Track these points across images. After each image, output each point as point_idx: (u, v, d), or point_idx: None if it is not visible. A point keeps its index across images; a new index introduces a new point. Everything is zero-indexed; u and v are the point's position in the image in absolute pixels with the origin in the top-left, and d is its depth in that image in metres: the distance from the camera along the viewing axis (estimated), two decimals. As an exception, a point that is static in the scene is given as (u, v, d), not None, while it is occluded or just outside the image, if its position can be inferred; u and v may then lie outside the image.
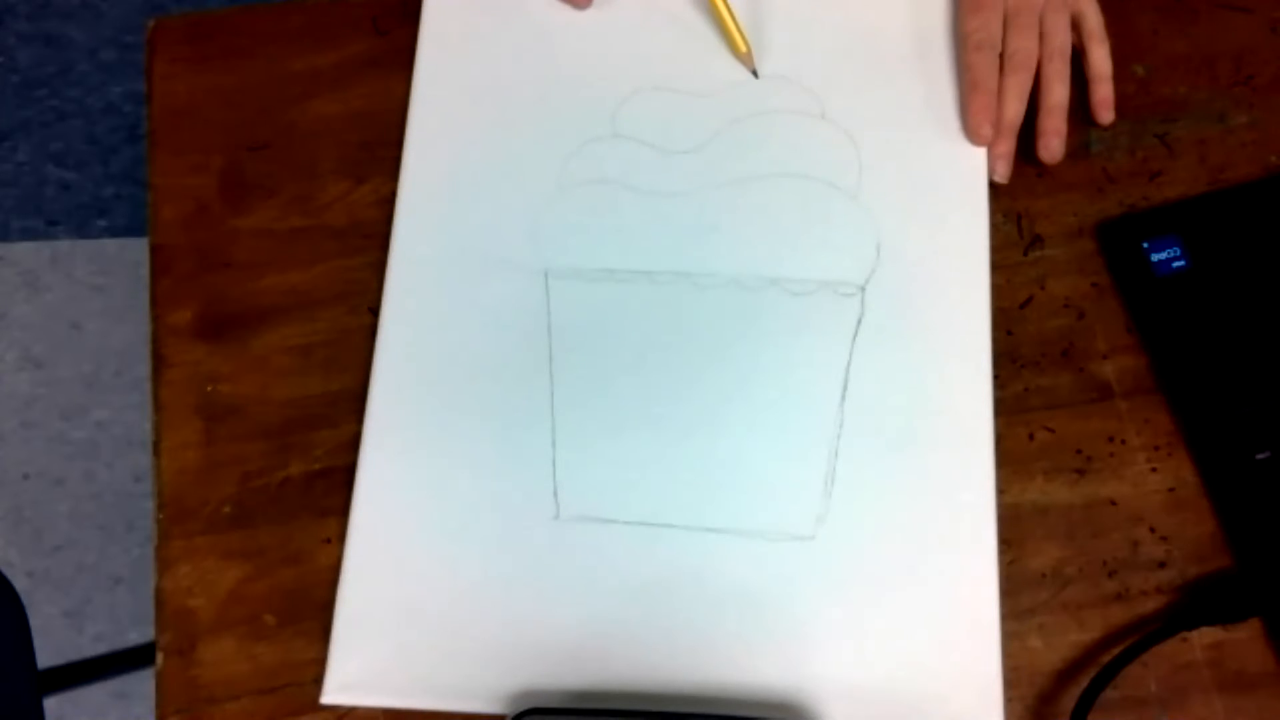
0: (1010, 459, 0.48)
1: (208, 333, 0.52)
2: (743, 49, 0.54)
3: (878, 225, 0.51)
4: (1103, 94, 0.53)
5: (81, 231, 1.30)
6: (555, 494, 0.48)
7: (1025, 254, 0.52)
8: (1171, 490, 0.48)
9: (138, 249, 1.28)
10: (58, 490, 1.20)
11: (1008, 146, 0.52)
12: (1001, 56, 0.53)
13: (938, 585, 0.46)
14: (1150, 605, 0.46)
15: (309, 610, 0.47)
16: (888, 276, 0.51)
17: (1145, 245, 0.50)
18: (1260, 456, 0.47)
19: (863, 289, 0.50)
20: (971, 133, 0.52)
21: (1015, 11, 0.53)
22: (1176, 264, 0.50)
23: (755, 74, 0.54)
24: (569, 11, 0.56)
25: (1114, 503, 0.48)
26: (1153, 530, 0.47)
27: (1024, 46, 0.52)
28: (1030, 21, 0.53)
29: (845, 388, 0.49)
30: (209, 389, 0.51)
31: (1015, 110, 0.52)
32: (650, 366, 0.50)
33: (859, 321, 0.50)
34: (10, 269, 1.28)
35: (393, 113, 0.55)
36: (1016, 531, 0.47)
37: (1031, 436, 0.49)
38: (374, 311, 0.51)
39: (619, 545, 0.47)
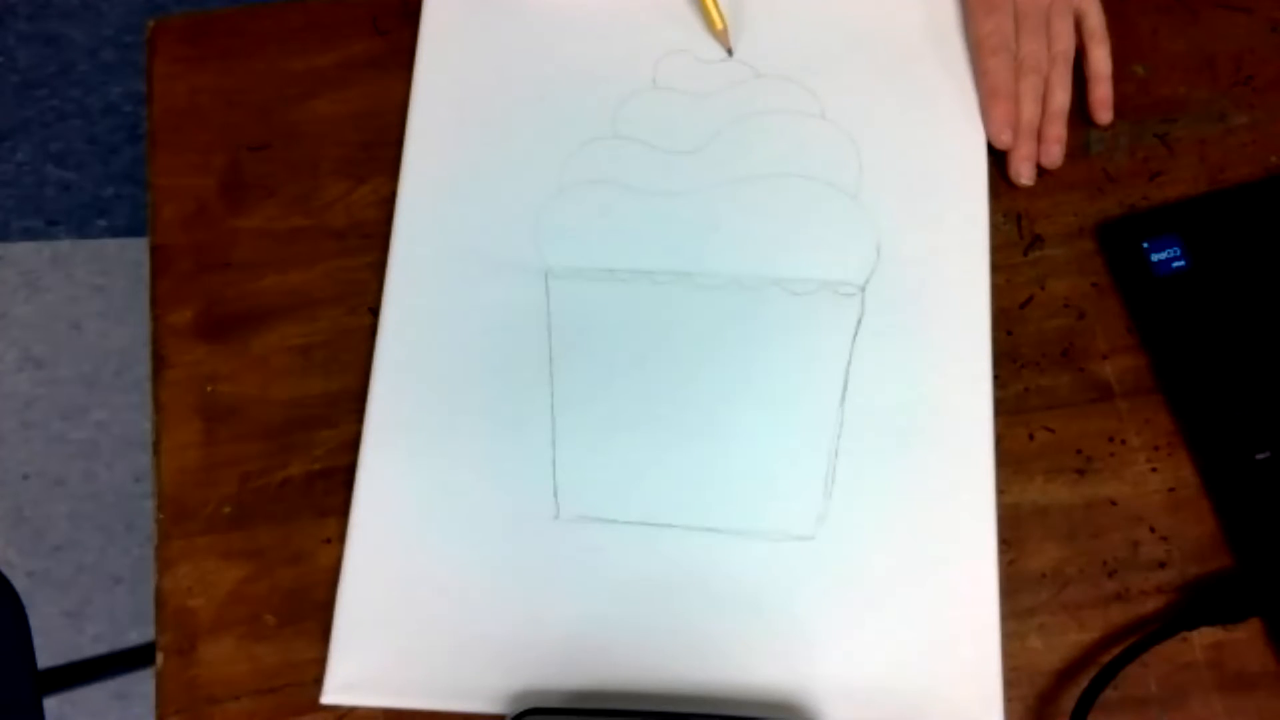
0: (1010, 459, 0.48)
1: (208, 333, 0.52)
2: (719, 25, 0.54)
3: (878, 225, 0.51)
4: (1101, 94, 0.53)
5: (81, 231, 1.30)
6: (555, 494, 0.48)
7: (1025, 254, 0.52)
8: (1171, 490, 0.48)
9: (138, 249, 1.28)
10: (58, 490, 1.20)
11: (1029, 149, 0.52)
12: None
13: (938, 585, 0.46)
14: (1150, 605, 0.46)
15: (309, 610, 0.47)
16: (888, 276, 0.51)
17: (1145, 245, 0.50)
18: (1260, 456, 0.47)
19: (863, 289, 0.50)
20: (993, 138, 0.52)
21: (1024, 14, 0.53)
22: (1176, 264, 0.50)
23: (730, 52, 0.55)
24: (569, 11, 0.56)
25: (1114, 503, 0.48)
26: (1153, 530, 0.47)
27: (1035, 49, 0.53)
28: (1039, 24, 0.53)
29: (845, 388, 0.49)
30: (209, 389, 0.51)
31: (1032, 112, 0.52)
32: (650, 366, 0.50)
33: (859, 321, 0.50)
34: (10, 269, 1.28)
35: (393, 113, 0.55)
36: (1016, 531, 0.47)
37: (1031, 436, 0.49)
38: (374, 311, 0.51)
39: (619, 545, 0.47)
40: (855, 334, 0.50)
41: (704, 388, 0.49)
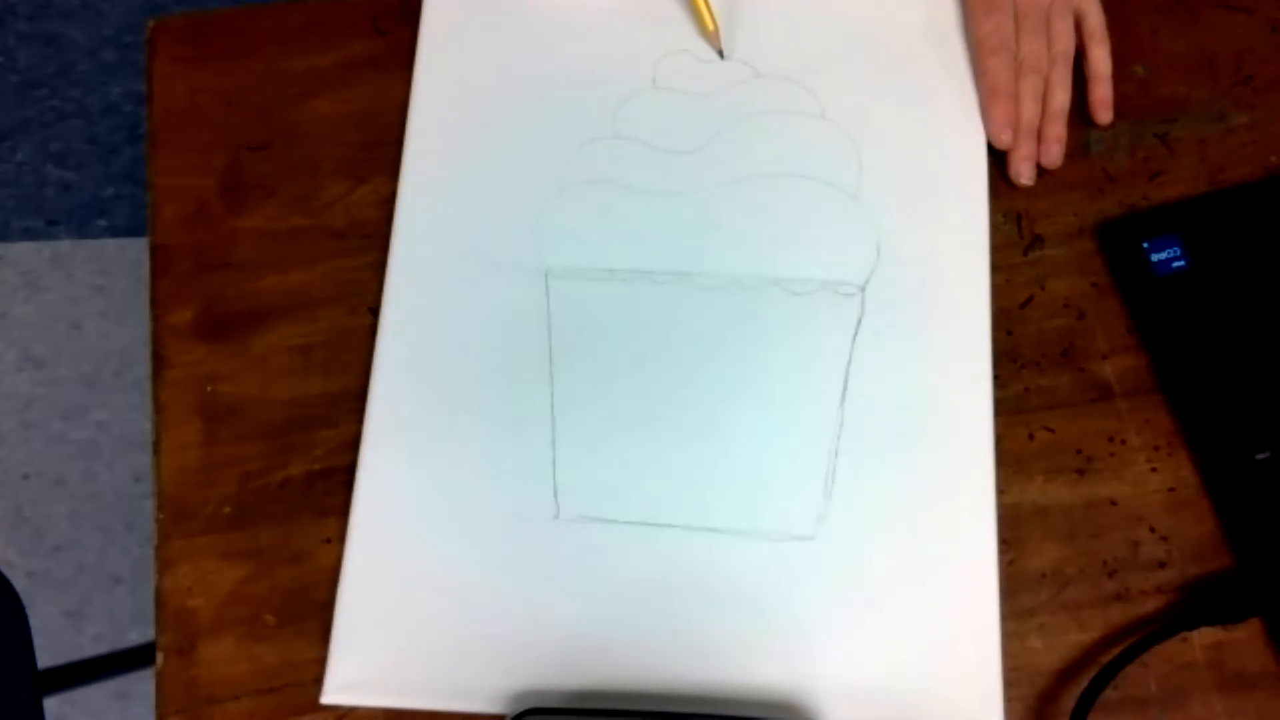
0: (1010, 459, 0.48)
1: (208, 333, 0.52)
2: (710, 27, 0.54)
3: (878, 225, 0.51)
4: (1101, 94, 0.53)
5: (81, 231, 1.30)
6: (555, 494, 0.48)
7: (1025, 254, 0.52)
8: (1171, 490, 0.48)
9: (138, 249, 1.28)
10: (58, 490, 1.20)
11: (1029, 149, 0.52)
12: None
13: (938, 585, 0.46)
14: (1150, 605, 0.46)
15: (309, 610, 0.47)
16: (888, 276, 0.51)
17: (1145, 245, 0.50)
18: (1260, 456, 0.47)
19: (863, 289, 0.50)
20: (993, 138, 0.52)
21: (1024, 14, 0.53)
22: (1176, 264, 0.50)
23: (721, 54, 0.55)
24: (569, 11, 0.56)
25: (1114, 503, 0.48)
26: (1153, 530, 0.47)
27: (1035, 49, 0.53)
28: (1039, 23, 0.53)
29: (845, 388, 0.49)
30: (209, 389, 0.51)
31: (1032, 112, 0.52)
32: (650, 366, 0.50)
33: (859, 321, 0.50)
34: (10, 269, 1.28)
35: (393, 113, 0.55)
36: (1016, 531, 0.47)
37: (1031, 436, 0.49)
38: (374, 311, 0.51)
39: (619, 545, 0.47)
40: (855, 334, 0.50)
41: (704, 388, 0.49)
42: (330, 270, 0.53)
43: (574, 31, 0.56)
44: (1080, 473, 0.48)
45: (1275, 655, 0.45)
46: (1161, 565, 0.47)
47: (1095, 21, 0.53)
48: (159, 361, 0.52)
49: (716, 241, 0.51)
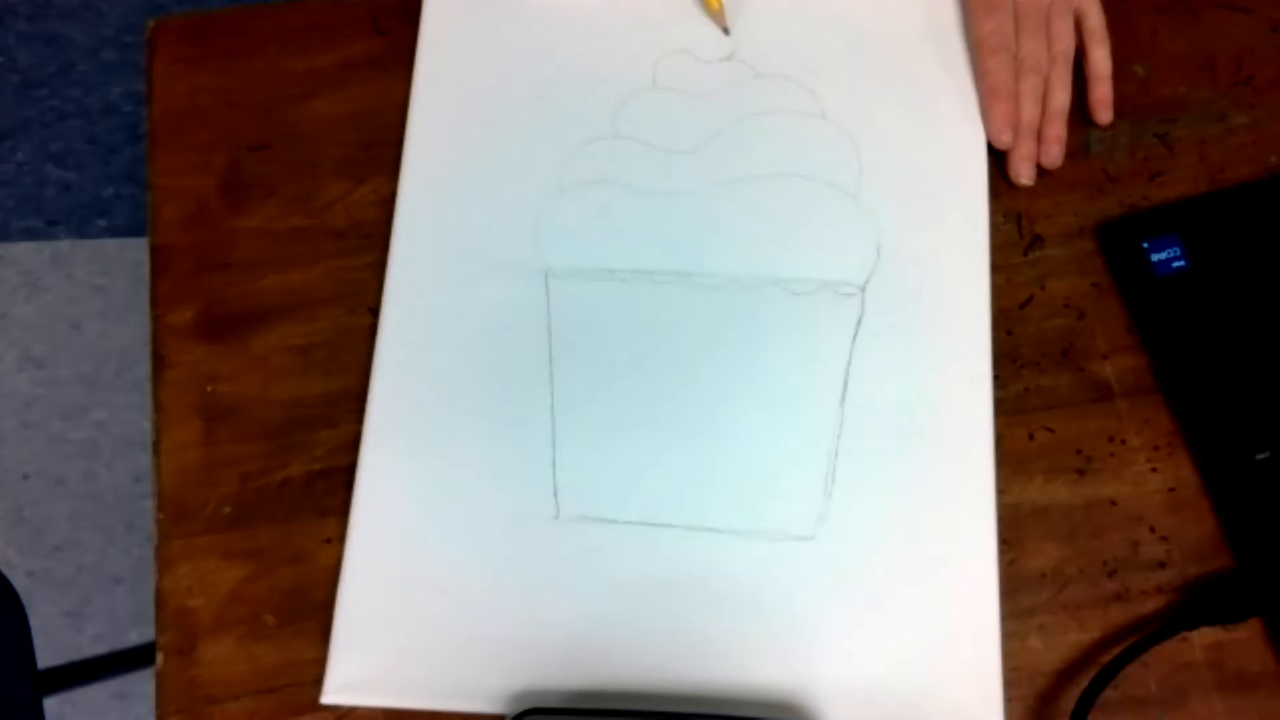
0: (1010, 459, 0.48)
1: (208, 333, 0.52)
2: (715, 5, 0.54)
3: (878, 225, 0.51)
4: (1101, 93, 0.53)
5: (81, 231, 1.30)
6: (555, 494, 0.48)
7: (1025, 254, 0.52)
8: (1171, 490, 0.48)
9: (138, 249, 1.28)
10: (58, 490, 1.20)
11: (1029, 149, 0.52)
12: None
13: (938, 585, 0.46)
14: (1150, 605, 0.46)
15: (309, 610, 0.47)
16: (888, 276, 0.51)
17: (1145, 245, 0.50)
18: (1260, 456, 0.47)
19: (863, 289, 0.50)
20: (993, 138, 0.52)
21: (1024, 14, 0.53)
22: (1176, 264, 0.50)
23: (726, 31, 0.55)
24: (569, 11, 0.56)
25: (1114, 503, 0.48)
26: (1153, 530, 0.47)
27: (1035, 49, 0.53)
28: (1039, 23, 0.53)
29: (845, 388, 0.49)
30: (209, 389, 0.51)
31: (1031, 112, 0.52)
32: (650, 366, 0.50)
33: (859, 321, 0.50)
34: (10, 269, 1.28)
35: (393, 113, 0.55)
36: (1016, 531, 0.47)
37: (1031, 436, 0.49)
38: (374, 311, 0.51)
39: (619, 545, 0.47)
40: (855, 334, 0.50)
41: (704, 388, 0.49)
42: (330, 270, 0.53)
43: (574, 31, 0.56)
44: (1080, 473, 0.48)
45: (1275, 655, 0.45)
46: (1161, 565, 0.47)
47: (1095, 21, 0.54)
48: (159, 361, 0.52)
49: (716, 241, 0.51)
